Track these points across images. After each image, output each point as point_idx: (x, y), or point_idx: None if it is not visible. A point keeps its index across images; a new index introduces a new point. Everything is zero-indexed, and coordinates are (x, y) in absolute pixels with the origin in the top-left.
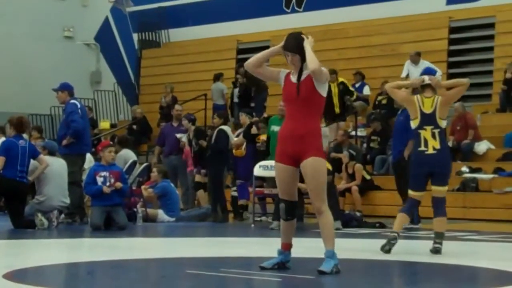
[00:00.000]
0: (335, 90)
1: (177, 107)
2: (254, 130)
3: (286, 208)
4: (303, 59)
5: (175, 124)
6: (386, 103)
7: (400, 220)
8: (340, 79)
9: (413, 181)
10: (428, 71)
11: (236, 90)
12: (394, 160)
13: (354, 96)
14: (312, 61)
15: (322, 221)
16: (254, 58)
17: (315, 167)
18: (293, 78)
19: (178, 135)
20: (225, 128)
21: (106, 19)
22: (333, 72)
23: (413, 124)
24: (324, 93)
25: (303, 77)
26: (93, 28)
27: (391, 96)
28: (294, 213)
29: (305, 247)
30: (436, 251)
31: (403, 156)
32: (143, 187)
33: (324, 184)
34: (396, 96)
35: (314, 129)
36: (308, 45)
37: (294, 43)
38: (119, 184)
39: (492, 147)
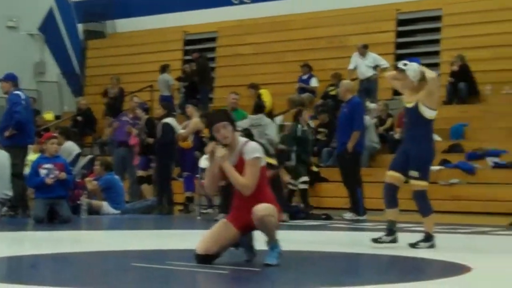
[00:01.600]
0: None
1: (135, 99)
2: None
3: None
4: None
5: (131, 115)
6: (335, 94)
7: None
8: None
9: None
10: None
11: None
12: (338, 152)
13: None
14: (240, 187)
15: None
16: (208, 181)
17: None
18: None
19: (128, 127)
20: (169, 121)
21: (51, 10)
22: (252, 86)
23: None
24: (263, 162)
25: (234, 161)
26: (37, 18)
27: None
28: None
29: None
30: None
31: (346, 149)
32: (87, 179)
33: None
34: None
35: (266, 200)
36: (223, 161)
37: (224, 115)
38: (63, 174)
39: (439, 139)
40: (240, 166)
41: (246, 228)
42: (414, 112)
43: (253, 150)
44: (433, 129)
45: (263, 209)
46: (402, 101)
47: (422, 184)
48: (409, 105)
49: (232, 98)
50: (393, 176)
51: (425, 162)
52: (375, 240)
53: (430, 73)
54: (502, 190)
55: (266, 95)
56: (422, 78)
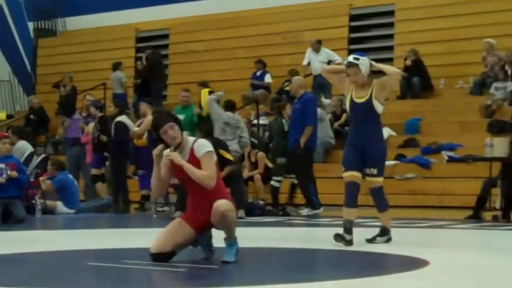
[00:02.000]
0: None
1: (88, 97)
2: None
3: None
4: None
5: (84, 114)
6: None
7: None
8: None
9: None
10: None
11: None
12: (290, 148)
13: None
14: (201, 181)
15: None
16: (155, 186)
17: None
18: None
19: (80, 124)
20: (123, 119)
21: (0, 7)
22: (201, 84)
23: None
24: (214, 158)
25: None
26: None
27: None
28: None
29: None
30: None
31: (299, 144)
32: (41, 178)
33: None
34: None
35: (222, 197)
36: (179, 160)
37: (168, 115)
38: (15, 173)
39: (393, 134)
40: (193, 163)
41: (202, 228)
42: (366, 108)
43: (203, 146)
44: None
45: (224, 204)
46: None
47: (380, 180)
48: (360, 101)
49: (183, 96)
50: (353, 175)
51: (382, 159)
52: (338, 237)
53: (393, 68)
54: (457, 184)
55: (203, 95)
56: (370, 73)
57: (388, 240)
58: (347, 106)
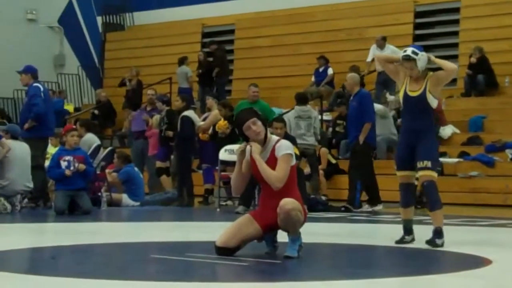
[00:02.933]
0: None
1: (149, 91)
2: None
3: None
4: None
5: (148, 108)
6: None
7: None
8: None
9: None
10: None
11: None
12: (351, 146)
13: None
14: (270, 180)
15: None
16: (236, 182)
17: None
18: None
19: (144, 116)
20: (189, 113)
21: (70, 2)
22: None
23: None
24: (294, 161)
25: (265, 158)
26: (57, 10)
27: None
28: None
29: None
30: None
31: (358, 141)
32: (107, 171)
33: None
34: None
35: (297, 199)
36: (256, 155)
37: (252, 112)
38: (82, 166)
39: (457, 131)
40: (271, 163)
41: (269, 227)
42: (419, 101)
43: (284, 147)
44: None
45: (290, 202)
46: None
47: (434, 174)
48: (414, 94)
49: (253, 91)
50: (405, 175)
51: (435, 153)
52: (400, 242)
53: (451, 64)
54: None
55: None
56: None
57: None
58: (400, 98)
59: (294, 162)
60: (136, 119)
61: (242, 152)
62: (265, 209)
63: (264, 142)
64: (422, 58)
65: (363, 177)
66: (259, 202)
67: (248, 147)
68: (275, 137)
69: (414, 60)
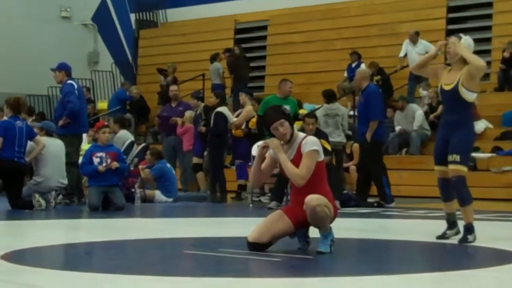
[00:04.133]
0: None
1: (172, 87)
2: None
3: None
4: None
5: (173, 104)
6: (381, 83)
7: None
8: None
9: None
10: None
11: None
12: (360, 143)
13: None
14: (292, 177)
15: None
16: (253, 176)
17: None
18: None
19: (172, 120)
20: (223, 109)
21: (104, 0)
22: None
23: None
24: (319, 159)
25: (291, 156)
26: (91, 8)
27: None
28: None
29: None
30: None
31: (365, 139)
32: (140, 167)
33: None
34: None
35: (324, 195)
36: (277, 151)
37: (278, 111)
38: (115, 164)
39: (490, 126)
40: (297, 160)
41: (301, 224)
42: (453, 95)
43: (311, 143)
44: (473, 113)
45: (315, 199)
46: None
47: (463, 169)
48: (448, 88)
49: (289, 87)
50: (440, 170)
51: (467, 147)
52: (441, 237)
53: (481, 61)
54: None
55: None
56: (464, 61)
57: (475, 237)
58: (439, 91)
59: (322, 157)
60: (164, 118)
61: (263, 148)
62: (296, 205)
63: (289, 141)
64: (467, 40)
65: (372, 174)
66: (290, 198)
67: (270, 142)
68: (302, 134)
69: (460, 37)
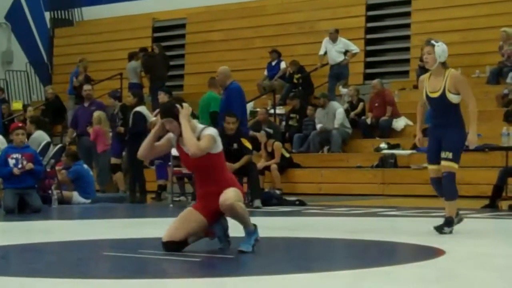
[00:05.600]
0: None
1: (85, 87)
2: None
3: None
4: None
5: (86, 104)
6: (302, 81)
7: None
8: None
9: None
10: None
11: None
12: None
13: None
14: (189, 143)
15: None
16: (144, 146)
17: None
18: (184, 146)
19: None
20: (141, 109)
21: None
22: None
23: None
24: (218, 149)
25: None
26: (3, 6)
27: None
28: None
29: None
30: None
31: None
32: (57, 168)
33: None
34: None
35: (228, 184)
36: (183, 118)
37: (168, 111)
38: (30, 165)
39: (410, 123)
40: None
41: (213, 215)
42: (440, 101)
43: (209, 130)
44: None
45: (229, 197)
46: (375, 85)
47: (454, 166)
48: (434, 95)
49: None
50: (433, 169)
51: (458, 145)
52: (438, 229)
53: (474, 111)
54: (473, 173)
55: None
56: (443, 66)
57: (451, 231)
58: (424, 98)
59: (219, 148)
60: (78, 116)
61: (161, 125)
62: (202, 199)
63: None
64: (441, 46)
65: None
66: (196, 193)
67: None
68: (200, 126)
69: (433, 45)
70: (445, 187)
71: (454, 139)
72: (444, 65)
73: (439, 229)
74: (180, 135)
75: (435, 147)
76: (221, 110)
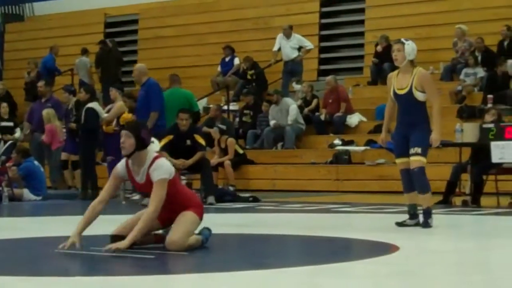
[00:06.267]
0: None
1: (39, 83)
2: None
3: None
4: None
5: (43, 100)
6: (256, 78)
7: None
8: None
9: None
10: None
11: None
12: None
13: None
14: (149, 218)
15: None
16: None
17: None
18: (136, 176)
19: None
20: (93, 105)
21: None
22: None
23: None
24: (171, 177)
25: (142, 179)
26: None
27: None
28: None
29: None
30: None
31: None
32: (7, 165)
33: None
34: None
35: (184, 206)
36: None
37: (135, 129)
38: None
39: (364, 119)
40: (148, 183)
41: (166, 222)
42: (407, 98)
43: (159, 171)
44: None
45: (175, 240)
46: (329, 81)
47: (423, 160)
48: (402, 92)
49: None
50: (402, 162)
51: (426, 140)
52: (400, 224)
53: (438, 106)
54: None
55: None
56: (411, 64)
57: (417, 224)
58: (391, 94)
59: (172, 176)
60: (34, 111)
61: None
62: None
63: (141, 161)
64: (411, 44)
65: None
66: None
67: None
68: (152, 155)
69: (403, 43)
70: (417, 181)
71: (421, 135)
72: (412, 63)
73: (426, 225)
74: (130, 155)
75: (402, 145)
76: (140, 106)
